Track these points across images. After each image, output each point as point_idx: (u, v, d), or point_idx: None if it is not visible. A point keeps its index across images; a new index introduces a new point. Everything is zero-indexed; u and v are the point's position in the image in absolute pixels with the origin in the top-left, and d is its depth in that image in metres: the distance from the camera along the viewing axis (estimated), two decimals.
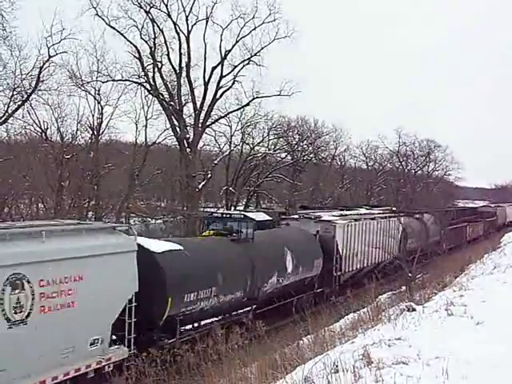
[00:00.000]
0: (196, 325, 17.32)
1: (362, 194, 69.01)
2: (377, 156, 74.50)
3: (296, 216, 26.56)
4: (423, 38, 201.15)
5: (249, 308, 19.76)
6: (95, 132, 39.63)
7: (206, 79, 41.10)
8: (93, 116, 39.28)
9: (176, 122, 40.82)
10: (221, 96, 42.12)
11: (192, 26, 40.18)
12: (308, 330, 15.26)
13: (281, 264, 21.66)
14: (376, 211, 34.38)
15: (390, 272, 29.63)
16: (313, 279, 24.55)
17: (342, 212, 29.89)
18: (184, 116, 41.33)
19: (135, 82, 40.01)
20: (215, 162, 47.48)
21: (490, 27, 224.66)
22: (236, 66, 41.52)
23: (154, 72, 40.00)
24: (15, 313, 11.18)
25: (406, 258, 27.29)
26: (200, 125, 41.53)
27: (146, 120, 42.49)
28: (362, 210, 34.22)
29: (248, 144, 51.53)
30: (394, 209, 41.25)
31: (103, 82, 38.54)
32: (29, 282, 11.39)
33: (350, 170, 71.88)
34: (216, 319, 17.94)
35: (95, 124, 39.37)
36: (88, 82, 37.92)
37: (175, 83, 41.02)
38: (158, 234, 42.16)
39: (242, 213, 25.21)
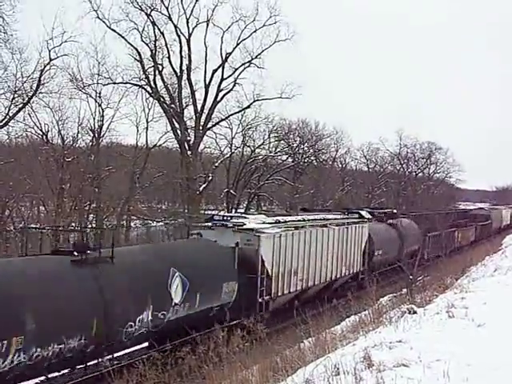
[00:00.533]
0: None
1: (363, 197, 69.05)
2: (378, 158, 74.77)
3: (210, 224, 21.25)
4: (423, 41, 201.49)
5: (98, 360, 14.21)
6: (96, 135, 39.66)
7: (207, 82, 41.23)
8: (94, 119, 39.35)
9: (177, 125, 40.88)
10: (221, 99, 42.23)
11: (193, 29, 40.37)
12: (309, 333, 15.27)
13: (161, 292, 15.83)
14: (332, 216, 28.58)
15: (352, 289, 25.13)
16: (223, 309, 18.62)
17: (279, 218, 23.93)
18: (185, 119, 41.44)
19: (136, 85, 40.10)
20: (216, 164, 47.52)
21: (491, 28, 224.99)
22: (237, 69, 41.65)
23: (154, 75, 40.12)
24: None
25: (406, 261, 27.25)
26: (201, 127, 41.59)
27: (147, 123, 42.56)
28: (320, 215, 28.18)
29: (249, 146, 51.63)
30: (394, 211, 41.16)
31: (104, 85, 38.64)
32: None
33: (351, 173, 71.97)
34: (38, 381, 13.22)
35: (96, 127, 39.42)
36: (89, 85, 38.02)
37: (176, 86, 41.11)
38: (158, 236, 42.24)
39: (243, 215, 24.85)
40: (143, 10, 38.65)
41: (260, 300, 20.09)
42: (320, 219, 26.37)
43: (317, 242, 24.17)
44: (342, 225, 27.23)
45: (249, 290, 19.52)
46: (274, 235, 21.14)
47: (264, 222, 21.98)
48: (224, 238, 19.88)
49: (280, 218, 23.66)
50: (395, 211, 41.15)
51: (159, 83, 40.35)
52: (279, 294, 21.37)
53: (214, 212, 40.54)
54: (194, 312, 17.08)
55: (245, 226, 20.58)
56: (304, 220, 24.96)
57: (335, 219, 27.79)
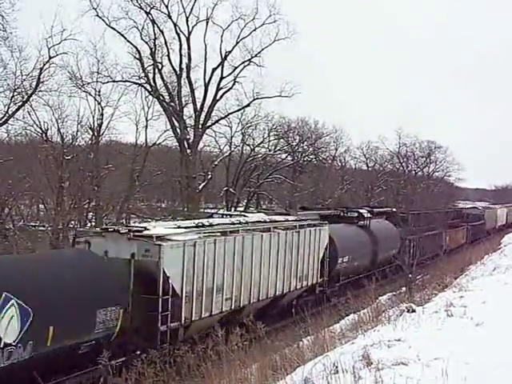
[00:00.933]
0: None
1: (363, 195, 69.08)
2: (377, 157, 74.73)
3: (99, 229, 17.73)
4: (424, 40, 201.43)
5: None
6: (95, 133, 39.63)
7: (207, 80, 41.30)
8: (93, 117, 39.31)
9: (176, 123, 40.90)
10: (221, 97, 42.31)
11: (192, 27, 40.43)
12: (308, 331, 15.29)
13: None
14: (281, 218, 24.32)
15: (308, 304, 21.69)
16: (100, 344, 13.81)
17: (202, 220, 19.86)
18: (184, 117, 41.48)
19: (135, 83, 40.11)
20: (215, 162, 47.60)
21: (490, 26, 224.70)
22: (236, 67, 41.73)
23: (154, 73, 40.15)
24: None
25: (405, 260, 27.28)
26: (200, 126, 41.63)
27: (147, 121, 42.52)
28: (281, 217, 24.61)
29: (248, 145, 51.80)
30: (393, 210, 41.14)
31: (103, 83, 38.64)
32: None
33: (351, 171, 72.04)
34: None
35: (95, 125, 39.39)
36: (88, 83, 38.03)
37: (175, 84, 41.14)
38: None
39: (243, 214, 24.69)
40: (143, 9, 38.75)
41: (163, 328, 15.55)
42: (263, 222, 22.24)
43: (253, 249, 19.80)
44: (292, 228, 22.95)
45: (147, 316, 15.16)
46: (185, 243, 16.54)
47: (179, 227, 17.85)
48: (117, 248, 15.64)
49: (205, 222, 19.52)
50: (394, 210, 41.15)
51: (159, 81, 40.47)
52: (195, 318, 16.82)
53: (213, 210, 40.60)
54: (45, 352, 12.33)
55: (144, 232, 16.19)
56: (239, 223, 20.61)
57: (285, 221, 23.74)
